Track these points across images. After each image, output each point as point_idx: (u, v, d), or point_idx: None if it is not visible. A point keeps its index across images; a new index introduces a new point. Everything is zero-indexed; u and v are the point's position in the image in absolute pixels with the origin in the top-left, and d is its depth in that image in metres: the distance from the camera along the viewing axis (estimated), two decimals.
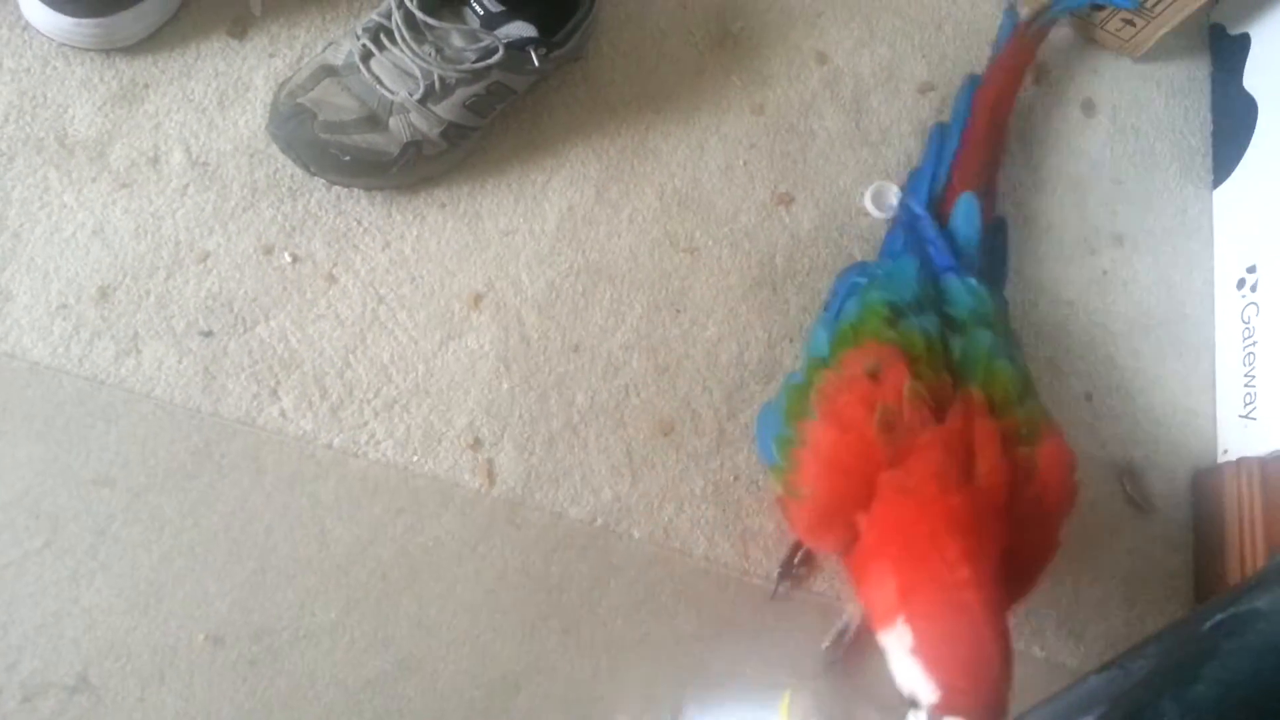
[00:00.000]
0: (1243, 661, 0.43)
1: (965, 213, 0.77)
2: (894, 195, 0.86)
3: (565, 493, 0.74)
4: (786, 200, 0.86)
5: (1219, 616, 0.47)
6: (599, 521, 0.74)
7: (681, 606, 0.73)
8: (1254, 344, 0.83)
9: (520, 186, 0.81)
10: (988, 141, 0.84)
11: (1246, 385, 0.82)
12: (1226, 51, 0.95)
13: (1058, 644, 0.77)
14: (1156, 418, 0.84)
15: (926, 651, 0.52)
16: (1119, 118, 0.93)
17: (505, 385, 0.76)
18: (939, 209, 0.79)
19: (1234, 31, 0.94)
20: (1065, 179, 0.90)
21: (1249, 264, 0.86)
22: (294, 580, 0.69)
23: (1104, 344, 0.85)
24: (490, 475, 0.74)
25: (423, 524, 0.72)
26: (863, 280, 0.73)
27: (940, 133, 0.85)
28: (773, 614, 0.75)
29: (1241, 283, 0.86)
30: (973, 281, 0.71)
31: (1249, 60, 0.92)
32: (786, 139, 0.88)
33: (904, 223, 0.79)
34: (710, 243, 0.83)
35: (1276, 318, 0.81)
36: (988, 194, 0.80)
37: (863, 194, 0.87)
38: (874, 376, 0.63)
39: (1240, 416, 0.82)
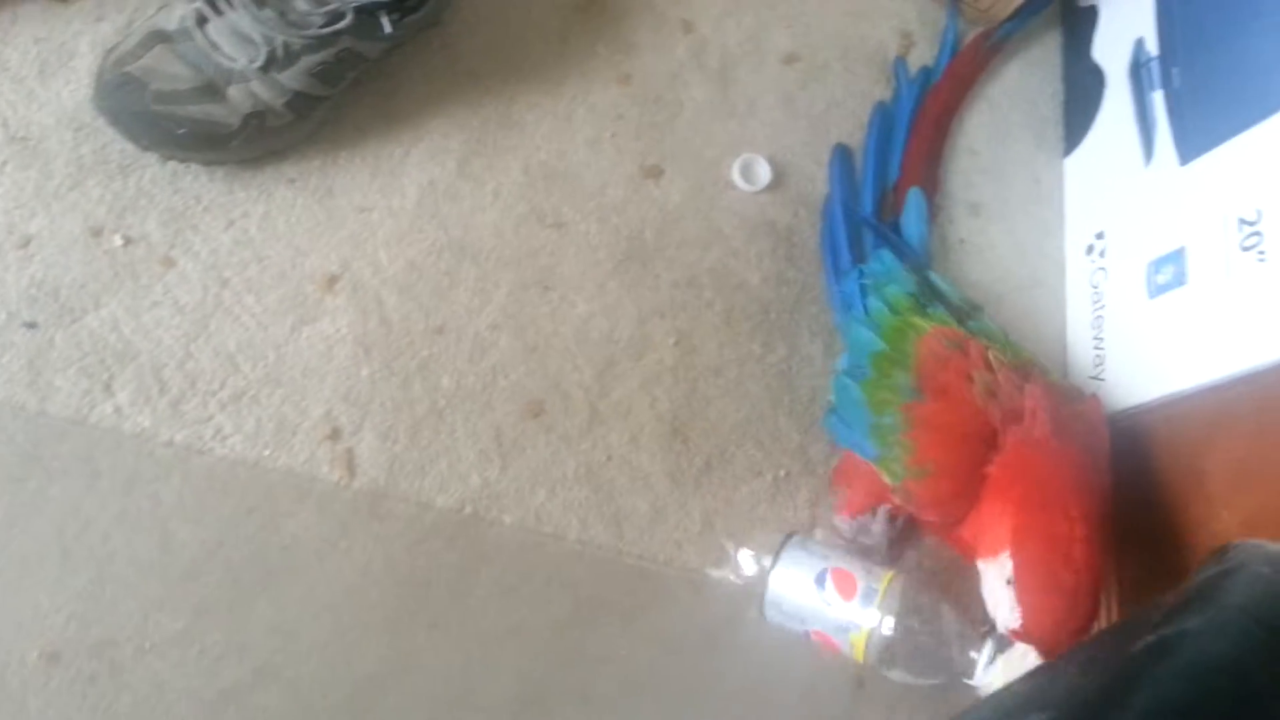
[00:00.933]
0: (1173, 687, 0.42)
1: (916, 208, 0.84)
2: (763, 167, 0.86)
3: (431, 481, 0.72)
4: (655, 173, 0.84)
5: (1149, 639, 0.45)
6: (468, 509, 0.72)
7: (555, 592, 0.72)
8: (1102, 307, 0.86)
9: (376, 160, 0.77)
10: (935, 140, 0.89)
11: (1096, 348, 0.86)
12: (1076, 23, 0.98)
13: None
14: None
15: (1023, 586, 0.61)
16: (975, 88, 0.94)
17: (365, 371, 0.72)
18: (887, 201, 0.85)
19: (1083, 4, 0.97)
20: None
21: (1097, 230, 0.89)
22: (136, 589, 0.65)
23: None
24: (350, 467, 0.70)
25: (277, 522, 0.68)
26: (866, 281, 0.77)
27: (881, 126, 0.88)
28: (647, 593, 0.74)
29: (1091, 249, 0.89)
30: (940, 276, 0.79)
31: (1096, 32, 0.94)
32: (654, 110, 0.86)
33: (851, 223, 0.83)
34: (578, 217, 0.81)
35: (1122, 282, 0.85)
36: (933, 190, 0.87)
37: (731, 166, 0.86)
38: (961, 351, 0.70)
39: (1090, 378, 0.85)
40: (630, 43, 0.86)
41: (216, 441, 0.68)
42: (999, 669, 0.67)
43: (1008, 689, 0.54)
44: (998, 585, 0.64)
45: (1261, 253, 0.73)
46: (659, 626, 0.74)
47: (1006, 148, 0.93)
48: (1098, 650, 0.51)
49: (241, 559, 0.67)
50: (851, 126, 0.90)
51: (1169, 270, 0.81)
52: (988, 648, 0.69)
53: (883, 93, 0.91)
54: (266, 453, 0.69)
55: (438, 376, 0.74)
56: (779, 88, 0.89)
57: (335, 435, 0.71)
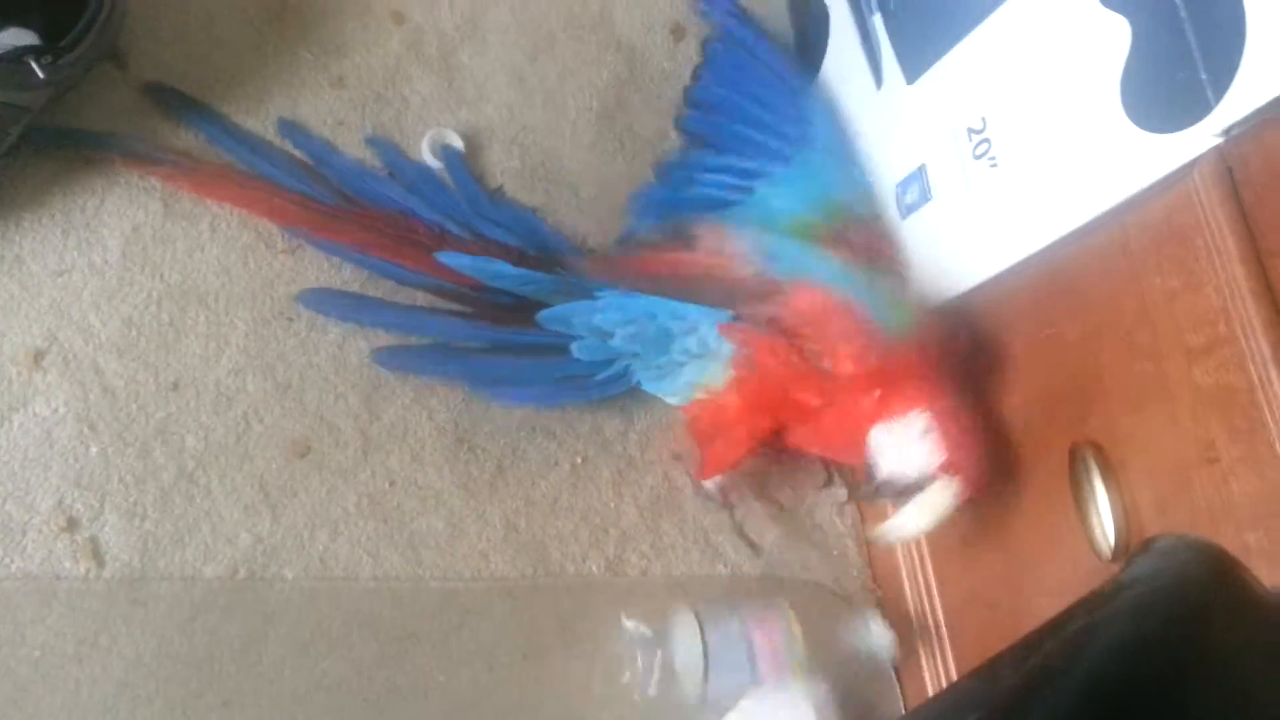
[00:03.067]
0: (1108, 661, 0.43)
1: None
2: (456, 139, 0.82)
3: (194, 551, 0.66)
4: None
5: (1083, 622, 0.46)
6: (241, 573, 0.67)
7: (356, 636, 0.68)
8: None
9: (67, 216, 0.70)
10: None
11: None
12: None
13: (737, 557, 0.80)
14: None
15: (945, 430, 0.69)
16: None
17: (94, 448, 0.66)
18: None
19: None
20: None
21: None
22: None
23: None
24: (97, 555, 0.64)
25: (22, 633, 0.61)
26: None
27: None
28: (457, 613, 0.71)
29: None
30: None
31: None
32: (377, 110, 0.81)
33: None
34: None
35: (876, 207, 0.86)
36: None
37: (420, 145, 0.80)
38: None
39: None
40: (338, 44, 0.81)
41: None
42: (913, 510, 0.70)
43: (951, 689, 0.54)
44: (910, 440, 0.70)
45: (993, 159, 0.75)
46: (476, 644, 0.71)
47: None
48: (1032, 640, 0.52)
49: None
50: (589, 94, 0.88)
51: (914, 189, 0.82)
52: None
53: (612, 58, 0.89)
54: None
55: (180, 437, 0.68)
56: (508, 67, 0.86)
57: (72, 525, 0.64)
